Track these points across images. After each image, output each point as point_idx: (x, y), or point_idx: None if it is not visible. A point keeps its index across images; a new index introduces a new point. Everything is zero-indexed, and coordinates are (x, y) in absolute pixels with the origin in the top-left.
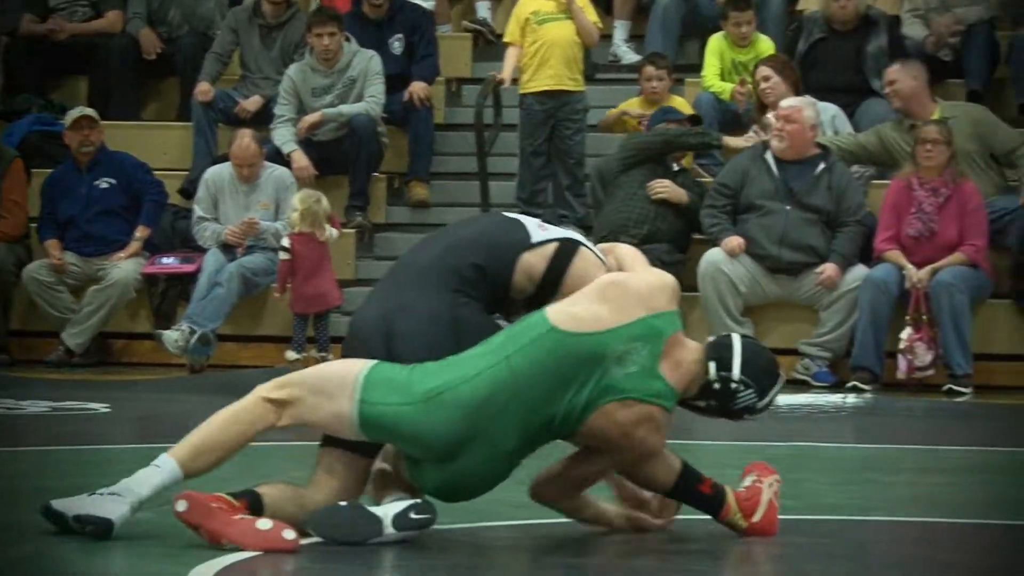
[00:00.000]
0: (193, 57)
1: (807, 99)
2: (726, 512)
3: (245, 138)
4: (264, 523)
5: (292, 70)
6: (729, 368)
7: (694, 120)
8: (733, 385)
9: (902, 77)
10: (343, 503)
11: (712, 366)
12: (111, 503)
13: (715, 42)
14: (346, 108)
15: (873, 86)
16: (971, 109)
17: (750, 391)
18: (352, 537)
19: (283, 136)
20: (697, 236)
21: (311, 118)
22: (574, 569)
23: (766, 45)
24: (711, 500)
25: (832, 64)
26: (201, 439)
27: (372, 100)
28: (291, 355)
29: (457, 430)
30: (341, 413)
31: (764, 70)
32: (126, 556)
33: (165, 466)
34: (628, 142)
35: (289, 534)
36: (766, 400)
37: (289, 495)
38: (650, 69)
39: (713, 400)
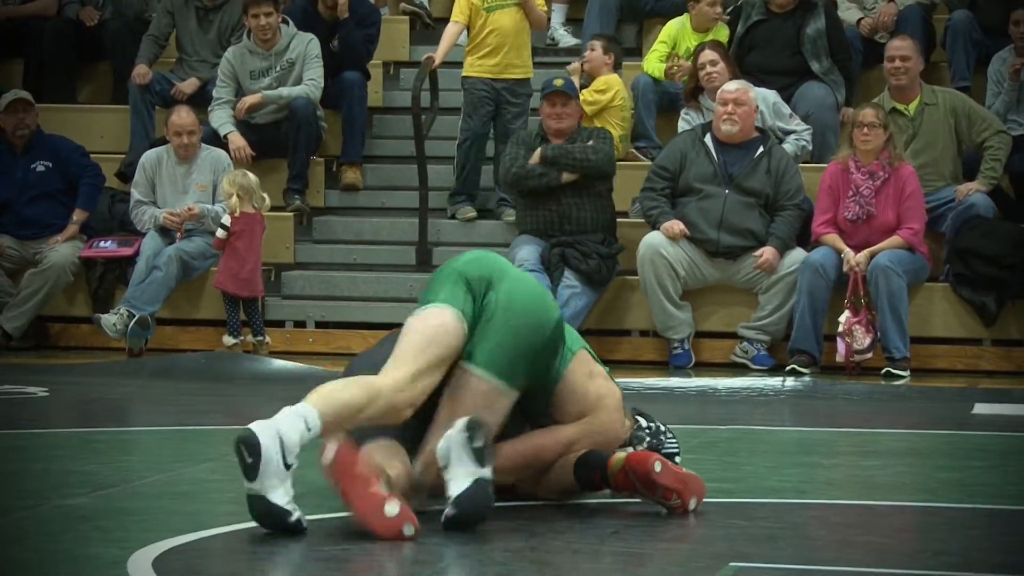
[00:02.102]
0: (121, 41)
1: (746, 83)
2: (612, 459)
3: (183, 110)
4: (392, 508)
5: (230, 53)
6: (653, 420)
7: (562, 93)
8: (663, 431)
9: (915, 56)
10: (473, 480)
11: (639, 418)
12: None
13: (672, 28)
14: (285, 90)
15: (812, 68)
16: (951, 96)
17: (674, 440)
18: (490, 509)
19: (220, 118)
20: (624, 220)
21: (250, 99)
22: (513, 553)
23: (725, 32)
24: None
25: (771, 46)
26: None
27: (311, 83)
28: (228, 340)
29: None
30: (444, 321)
31: (710, 54)
32: (66, 540)
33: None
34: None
35: (409, 530)
36: (679, 460)
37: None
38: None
39: (642, 445)
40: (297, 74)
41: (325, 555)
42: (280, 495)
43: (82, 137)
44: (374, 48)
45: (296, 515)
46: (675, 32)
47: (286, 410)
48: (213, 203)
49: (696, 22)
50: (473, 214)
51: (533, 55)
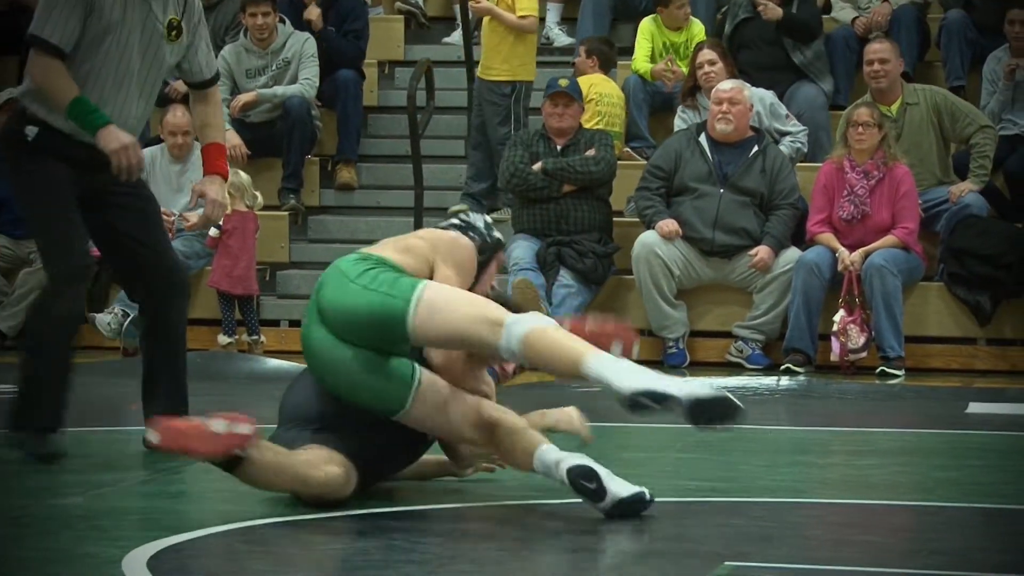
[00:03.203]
0: None
1: (741, 82)
2: None
3: (178, 110)
4: (217, 424)
5: (226, 51)
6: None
7: (564, 94)
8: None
9: (894, 58)
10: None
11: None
12: None
13: (646, 25)
14: (280, 89)
15: (795, 60)
16: (932, 93)
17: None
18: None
19: None
20: (619, 220)
21: (245, 97)
22: (508, 552)
23: (698, 27)
24: None
25: (758, 43)
26: None
27: (307, 82)
28: (223, 339)
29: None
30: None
31: (709, 54)
32: (62, 539)
33: None
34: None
35: (244, 427)
36: None
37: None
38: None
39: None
40: (293, 73)
41: (319, 554)
42: None
43: None
44: (364, 43)
45: None
46: (649, 29)
47: None
48: None
49: (667, 21)
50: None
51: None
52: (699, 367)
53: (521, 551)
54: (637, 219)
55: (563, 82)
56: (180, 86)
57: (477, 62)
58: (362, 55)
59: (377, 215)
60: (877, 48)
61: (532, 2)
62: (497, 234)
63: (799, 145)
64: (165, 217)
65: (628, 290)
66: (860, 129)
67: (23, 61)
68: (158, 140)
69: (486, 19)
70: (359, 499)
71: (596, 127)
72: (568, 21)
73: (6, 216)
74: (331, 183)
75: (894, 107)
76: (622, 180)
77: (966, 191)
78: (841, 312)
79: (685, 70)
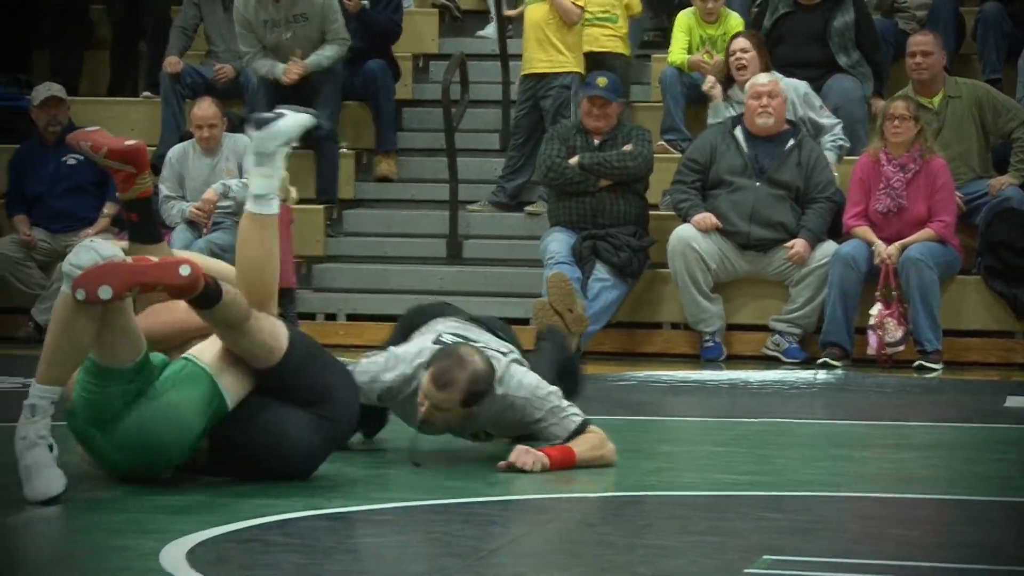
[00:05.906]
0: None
1: (776, 74)
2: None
3: (205, 101)
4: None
5: (239, 1)
6: None
7: (601, 100)
8: None
9: (937, 51)
10: None
11: None
12: None
13: (683, 18)
14: (326, 60)
15: (839, 62)
16: (974, 87)
17: None
18: None
19: (265, 63)
20: (655, 213)
21: (294, 69)
22: (547, 544)
23: (735, 20)
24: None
25: (798, 38)
26: None
27: (340, 40)
28: None
29: None
30: None
31: (742, 42)
32: (99, 532)
33: None
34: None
35: (185, 269)
36: None
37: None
38: None
39: None
40: (317, 28)
41: (357, 547)
42: None
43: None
44: (400, 16)
45: None
46: (686, 22)
47: None
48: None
49: (702, 13)
50: (480, 207)
51: None
52: (736, 360)
53: (559, 544)
54: (672, 212)
55: (601, 81)
56: (228, 71)
57: (511, 55)
58: (399, 30)
59: (412, 208)
60: (920, 40)
61: None
62: None
63: (840, 141)
64: (198, 213)
65: (664, 284)
66: (896, 122)
67: (53, 54)
68: (189, 136)
69: (532, 11)
70: (397, 492)
71: None
72: None
73: (42, 209)
74: (367, 176)
75: (936, 100)
76: (657, 173)
77: (1006, 184)
78: (878, 306)
79: (723, 57)
